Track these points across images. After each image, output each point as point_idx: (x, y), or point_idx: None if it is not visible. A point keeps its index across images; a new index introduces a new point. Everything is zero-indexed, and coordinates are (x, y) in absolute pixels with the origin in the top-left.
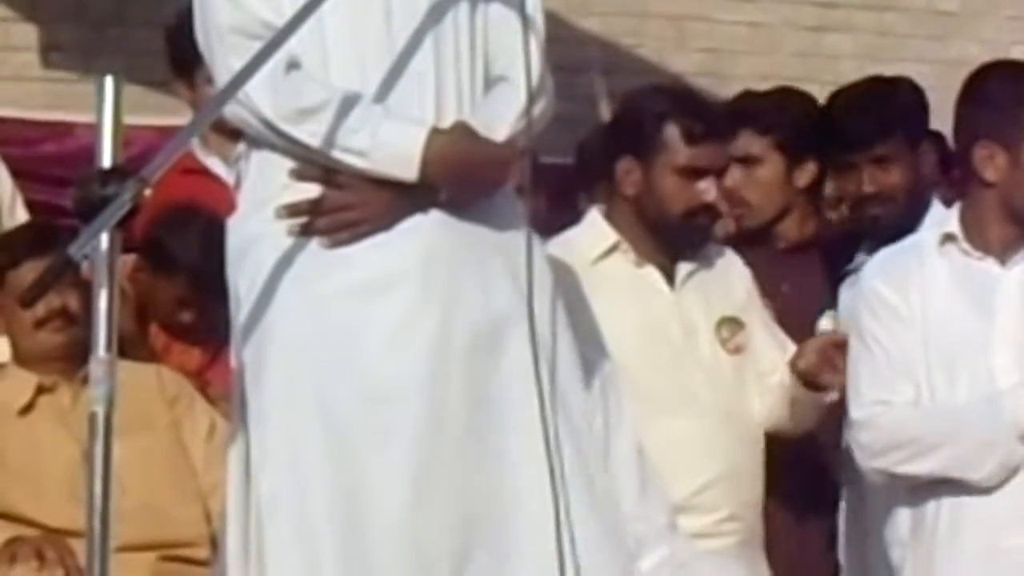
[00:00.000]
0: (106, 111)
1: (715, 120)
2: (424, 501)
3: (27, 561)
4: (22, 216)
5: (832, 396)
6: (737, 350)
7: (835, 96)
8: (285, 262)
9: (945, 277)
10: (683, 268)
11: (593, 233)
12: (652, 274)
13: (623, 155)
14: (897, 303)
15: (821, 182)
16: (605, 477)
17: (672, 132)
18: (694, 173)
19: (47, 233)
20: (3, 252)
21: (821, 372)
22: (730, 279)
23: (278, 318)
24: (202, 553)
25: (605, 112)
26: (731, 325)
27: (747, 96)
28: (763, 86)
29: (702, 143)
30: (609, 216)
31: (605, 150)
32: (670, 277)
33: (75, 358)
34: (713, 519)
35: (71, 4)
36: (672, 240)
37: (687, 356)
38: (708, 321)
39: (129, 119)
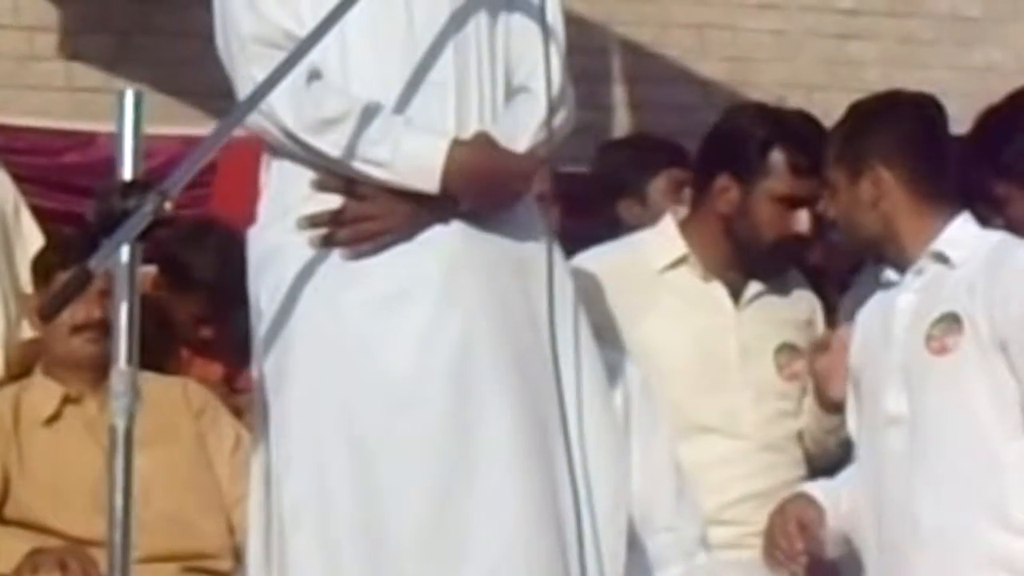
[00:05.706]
0: (126, 124)
1: (819, 152)
2: (448, 510)
3: (49, 572)
4: (28, 222)
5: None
6: (793, 377)
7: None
8: (306, 273)
9: None
10: (752, 288)
11: (663, 242)
12: (717, 289)
13: (722, 172)
14: None
15: None
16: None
17: (778, 160)
18: (792, 203)
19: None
20: (58, 252)
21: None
22: (799, 307)
23: (300, 329)
24: (225, 564)
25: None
26: (790, 352)
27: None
28: (787, 94)
29: (806, 176)
30: (684, 226)
31: (701, 163)
32: (737, 295)
33: (103, 369)
34: (740, 531)
35: (95, 13)
36: (756, 263)
37: (739, 375)
38: (768, 344)
39: (153, 129)
